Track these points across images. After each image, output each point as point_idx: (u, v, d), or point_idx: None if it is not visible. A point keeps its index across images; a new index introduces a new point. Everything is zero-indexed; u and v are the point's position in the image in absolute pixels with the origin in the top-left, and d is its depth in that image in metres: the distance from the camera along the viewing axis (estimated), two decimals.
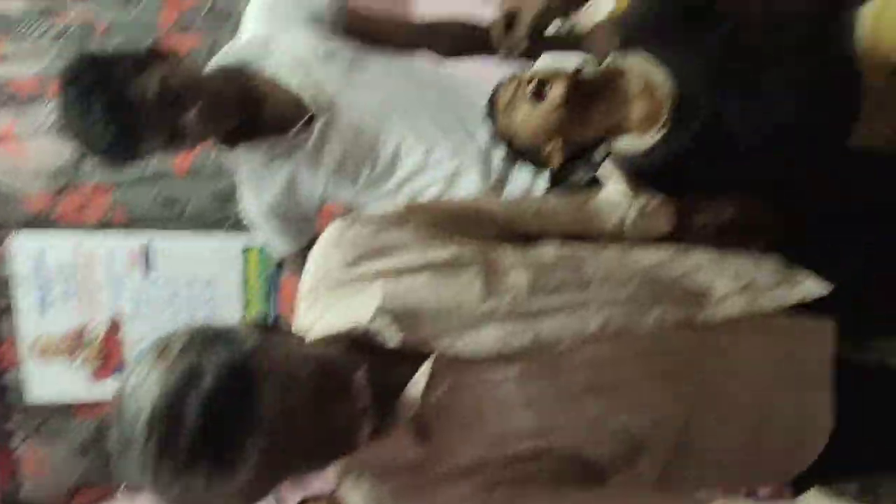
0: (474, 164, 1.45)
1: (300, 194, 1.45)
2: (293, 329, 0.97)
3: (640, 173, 1.21)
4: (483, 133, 1.40)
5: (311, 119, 1.38)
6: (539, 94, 1.18)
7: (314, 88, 1.37)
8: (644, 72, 1.24)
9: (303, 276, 1.01)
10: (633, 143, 1.22)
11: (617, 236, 1.13)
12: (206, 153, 2.21)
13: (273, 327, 0.87)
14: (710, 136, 1.20)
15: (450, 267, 0.96)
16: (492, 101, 1.28)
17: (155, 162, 2.18)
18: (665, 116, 1.19)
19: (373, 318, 0.88)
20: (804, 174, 1.20)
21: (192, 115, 1.27)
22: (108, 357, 2.33)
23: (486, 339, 0.91)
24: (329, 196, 1.47)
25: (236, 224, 2.31)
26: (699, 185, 1.25)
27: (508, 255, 1.01)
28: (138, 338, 2.34)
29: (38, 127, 2.12)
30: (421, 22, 1.62)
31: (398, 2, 2.28)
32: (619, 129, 1.22)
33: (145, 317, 2.32)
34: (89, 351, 2.31)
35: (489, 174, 1.46)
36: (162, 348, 0.78)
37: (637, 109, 1.20)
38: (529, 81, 1.19)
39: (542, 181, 1.42)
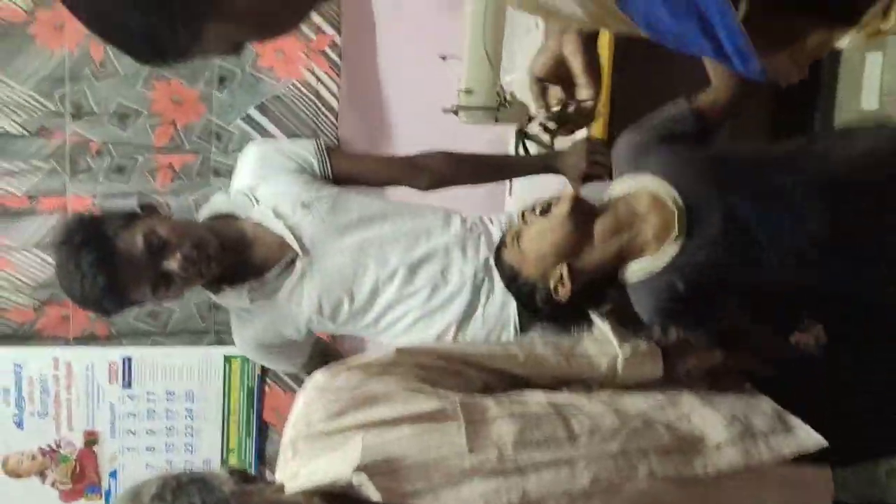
0: (452, 289, 1.55)
1: (284, 330, 1.57)
2: (277, 477, 0.96)
3: (668, 300, 1.19)
4: (458, 258, 1.54)
5: (293, 261, 1.51)
6: (546, 212, 1.22)
7: (296, 233, 1.51)
8: (646, 187, 1.26)
9: (286, 424, 1.01)
10: (651, 262, 1.21)
11: (607, 382, 1.12)
12: None
13: (251, 476, 0.87)
14: (731, 239, 1.20)
15: (433, 420, 0.95)
16: (499, 247, 1.31)
17: None
18: (678, 225, 1.20)
19: (353, 475, 0.87)
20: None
21: (175, 262, 1.38)
22: (80, 477, 2.27)
23: (470, 495, 0.89)
24: (312, 329, 1.59)
25: (219, 334, 2.31)
26: (729, 304, 1.24)
27: (493, 407, 0.99)
28: (113, 454, 2.28)
29: (25, 241, 2.14)
30: (402, 159, 1.74)
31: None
32: (632, 250, 1.23)
33: (123, 432, 2.28)
34: (62, 469, 2.25)
35: (468, 297, 1.55)
36: (133, 496, 0.77)
37: (648, 225, 1.21)
38: (534, 209, 1.24)
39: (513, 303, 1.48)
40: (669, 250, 1.20)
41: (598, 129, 1.74)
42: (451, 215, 1.64)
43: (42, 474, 2.25)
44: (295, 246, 1.50)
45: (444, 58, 2.05)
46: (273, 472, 2.38)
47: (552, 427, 0.97)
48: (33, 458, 2.23)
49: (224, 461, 2.36)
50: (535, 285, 1.24)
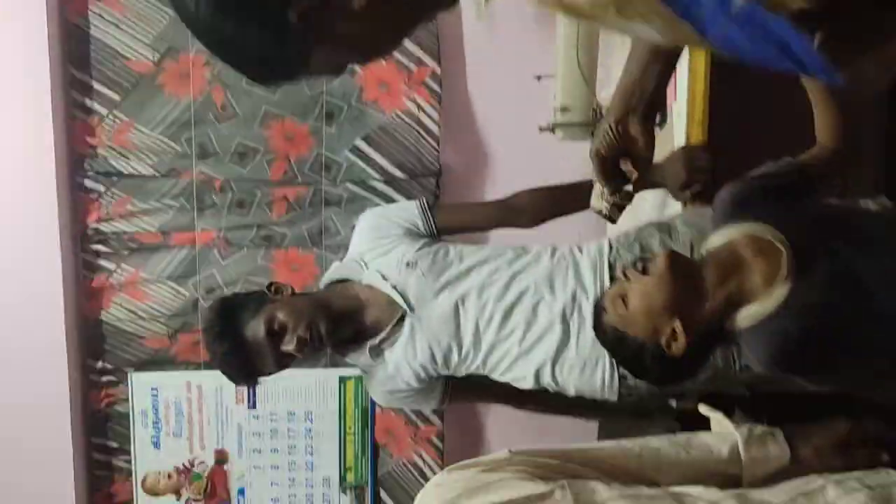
0: (543, 325, 1.64)
1: (408, 380, 1.73)
2: None
3: (782, 342, 1.17)
4: (547, 294, 1.64)
5: (403, 318, 1.68)
6: (645, 271, 1.23)
7: (402, 291, 1.67)
8: (750, 232, 1.24)
9: None
10: (762, 306, 1.19)
11: (734, 480, 1.08)
12: None
13: None
14: (841, 282, 1.18)
15: (542, 499, 0.97)
16: (597, 308, 1.31)
17: None
18: (786, 265, 1.18)
19: None
20: None
21: (292, 344, 1.61)
22: (212, 494, 2.41)
23: None
24: (433, 376, 1.74)
25: (333, 356, 2.41)
26: (845, 353, 1.20)
27: (603, 490, 1.00)
28: (241, 472, 2.41)
29: (158, 275, 2.32)
30: (499, 203, 1.88)
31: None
32: (740, 297, 1.20)
33: (249, 451, 2.41)
34: (195, 487, 2.39)
35: (559, 333, 1.63)
36: None
37: (755, 269, 1.19)
38: (635, 266, 1.25)
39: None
40: (780, 292, 1.17)
41: (695, 133, 1.74)
42: (541, 251, 1.72)
43: (177, 493, 2.40)
44: (402, 304, 1.66)
45: (539, 77, 2.11)
46: (386, 490, 2.45)
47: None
48: (169, 476, 2.39)
49: (342, 478, 2.45)
50: (644, 345, 1.23)
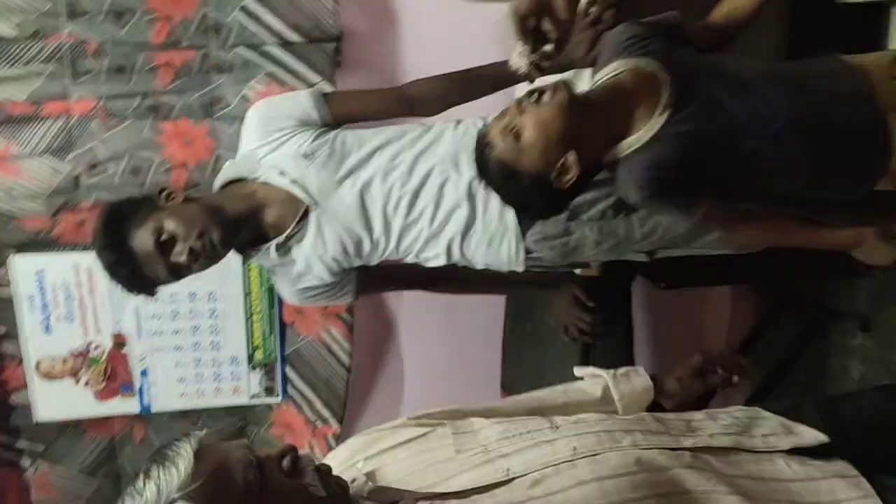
0: (449, 204, 1.59)
1: (320, 274, 1.65)
2: None
3: (656, 168, 1.25)
4: (452, 173, 1.58)
5: (307, 212, 1.58)
6: (539, 102, 1.24)
7: (302, 185, 1.57)
8: (634, 65, 1.29)
9: None
10: (641, 135, 1.25)
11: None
12: (203, 167, 2.22)
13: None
14: (712, 113, 1.26)
15: (423, 437, 1.05)
16: (481, 143, 1.28)
17: (150, 177, 2.19)
18: (665, 98, 1.24)
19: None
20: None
21: (183, 255, 1.52)
22: (113, 377, 2.34)
23: (461, 482, 0.96)
24: (345, 267, 1.67)
25: None
26: (717, 185, 1.32)
27: (480, 420, 1.07)
28: (143, 355, 2.34)
29: (32, 148, 2.12)
30: (398, 90, 1.72)
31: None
32: (624, 129, 1.26)
33: (150, 333, 2.32)
34: (94, 371, 2.31)
35: (466, 210, 1.59)
36: None
37: (638, 100, 1.25)
38: (530, 97, 1.25)
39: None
40: (658, 121, 1.24)
41: None
42: (444, 128, 1.64)
43: (75, 376, 2.31)
44: (304, 198, 1.56)
45: None
46: (294, 368, 2.43)
47: (536, 423, 1.04)
48: (64, 361, 2.29)
49: (251, 357, 2.41)
50: (534, 178, 1.26)
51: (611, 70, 1.31)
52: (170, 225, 1.51)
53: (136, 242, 1.51)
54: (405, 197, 1.59)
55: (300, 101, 1.64)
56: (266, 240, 1.62)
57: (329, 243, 1.61)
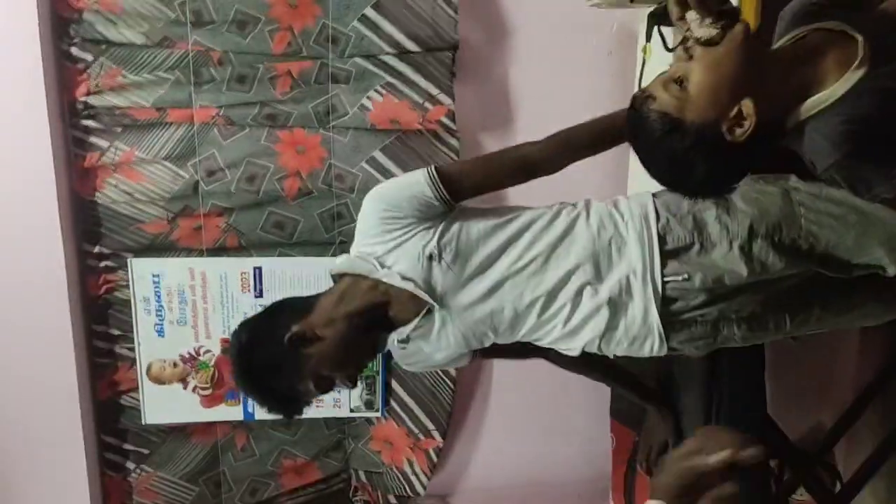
0: (588, 310, 1.48)
1: (441, 358, 1.62)
2: None
3: (853, 122, 1.09)
4: (592, 276, 1.47)
5: (431, 310, 1.51)
6: (710, 43, 1.11)
7: (427, 288, 1.49)
8: (824, 25, 1.15)
9: None
10: (834, 90, 1.11)
11: None
12: (315, 176, 2.22)
13: None
14: None
15: None
16: (637, 99, 1.18)
17: (265, 186, 2.21)
18: (862, 54, 1.10)
19: None
20: None
21: (341, 385, 1.53)
22: (220, 383, 2.35)
23: None
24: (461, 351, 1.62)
25: (342, 244, 2.30)
26: None
27: None
28: None
29: (156, 154, 2.17)
30: (520, 156, 1.56)
31: None
32: (810, 86, 1.12)
33: None
34: (202, 376, 2.33)
35: (606, 316, 1.47)
36: None
37: (828, 56, 1.11)
38: (689, 46, 1.12)
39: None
40: (854, 76, 1.10)
41: None
42: (576, 217, 1.51)
43: (183, 381, 2.33)
44: (429, 300, 1.49)
45: None
46: (399, 379, 2.39)
47: None
48: (175, 364, 2.31)
49: None
50: (703, 129, 1.13)
51: (791, 37, 1.20)
52: (325, 372, 1.49)
53: (300, 393, 1.52)
54: (539, 300, 1.49)
55: (418, 189, 1.49)
56: (390, 327, 1.56)
57: (452, 339, 1.55)
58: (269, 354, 1.47)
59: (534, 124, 2.32)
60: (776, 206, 1.43)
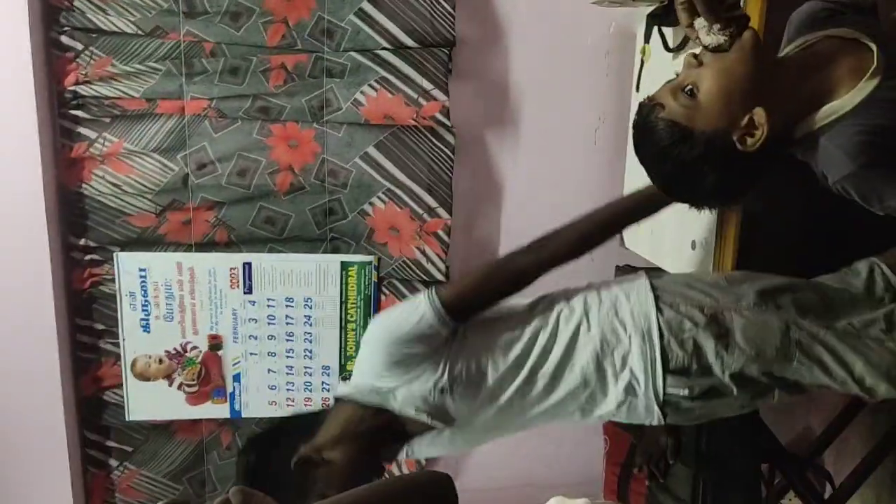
0: (596, 417, 1.51)
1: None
2: None
3: (868, 133, 1.07)
4: (599, 397, 1.48)
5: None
6: (719, 49, 1.09)
7: (439, 415, 1.48)
8: (835, 32, 1.13)
9: None
10: (847, 100, 1.09)
11: None
12: (307, 171, 2.19)
13: None
14: None
15: None
16: (644, 108, 1.16)
17: (257, 181, 2.17)
18: (876, 59, 1.08)
19: None
20: None
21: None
22: (206, 380, 2.31)
23: None
24: None
25: (334, 242, 2.27)
26: None
27: None
28: (237, 359, 2.30)
29: (145, 146, 2.12)
30: (516, 267, 1.54)
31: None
32: (822, 94, 1.10)
33: (245, 337, 2.29)
34: (188, 373, 2.29)
35: (622, 414, 1.50)
36: None
37: (840, 64, 1.09)
38: (698, 53, 1.10)
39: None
40: (868, 86, 1.08)
41: None
42: (575, 329, 1.49)
43: (169, 378, 2.29)
44: (440, 426, 1.50)
45: None
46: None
47: None
48: (160, 361, 2.27)
49: (342, 367, 2.35)
50: (713, 138, 1.11)
51: (800, 44, 1.17)
52: (331, 493, 1.38)
53: None
54: (548, 411, 1.51)
55: (422, 319, 1.48)
56: (400, 438, 1.54)
57: (460, 445, 1.58)
58: (277, 477, 1.45)
59: (529, 122, 2.33)
60: (773, 346, 1.42)
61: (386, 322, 1.51)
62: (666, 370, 1.44)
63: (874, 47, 1.10)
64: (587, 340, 1.47)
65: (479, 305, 1.52)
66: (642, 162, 1.23)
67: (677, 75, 1.16)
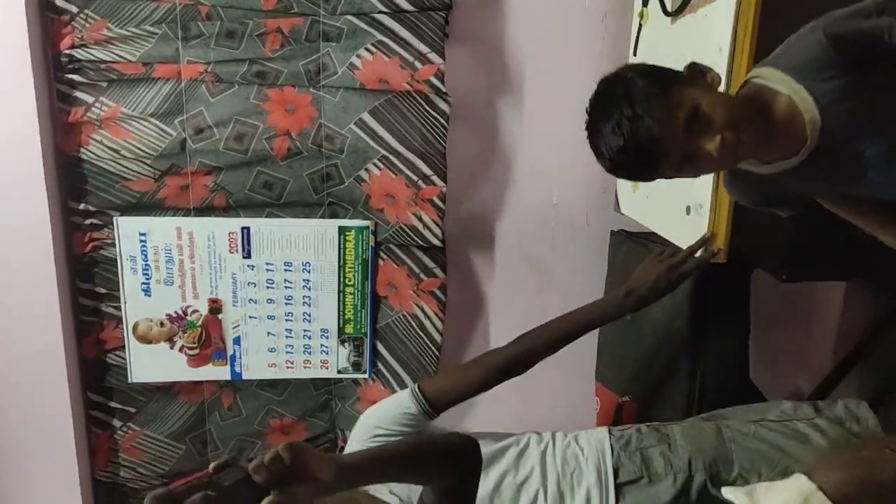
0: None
1: None
2: None
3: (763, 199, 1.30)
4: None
5: None
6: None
7: (409, 501, 1.58)
8: (791, 91, 1.21)
9: None
10: (764, 167, 1.25)
11: None
12: (304, 136, 2.20)
13: None
14: (846, 176, 1.22)
15: None
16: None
17: (254, 145, 2.18)
18: (809, 145, 1.20)
19: None
20: None
21: None
22: (207, 343, 2.34)
23: None
24: None
25: (332, 206, 2.29)
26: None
27: None
28: (236, 322, 2.34)
29: (142, 110, 2.13)
30: (494, 363, 1.75)
31: None
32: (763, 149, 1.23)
33: (245, 301, 2.32)
34: (189, 336, 2.32)
35: None
36: None
37: (780, 130, 1.21)
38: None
39: None
40: (788, 163, 1.22)
41: None
42: (540, 456, 1.66)
43: (170, 341, 2.33)
44: None
45: None
46: (385, 342, 2.41)
47: None
48: (161, 324, 2.31)
49: (341, 330, 2.39)
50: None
51: (770, 80, 1.25)
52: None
53: None
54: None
55: (404, 407, 1.68)
56: None
57: None
58: None
59: (526, 87, 2.33)
60: (710, 442, 1.62)
61: (373, 409, 1.72)
62: (617, 486, 1.60)
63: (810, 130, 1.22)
64: (551, 463, 1.65)
65: (456, 400, 1.72)
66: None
67: None
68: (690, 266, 1.70)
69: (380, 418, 1.67)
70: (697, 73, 1.24)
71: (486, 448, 1.60)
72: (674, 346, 1.98)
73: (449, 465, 1.28)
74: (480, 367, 1.75)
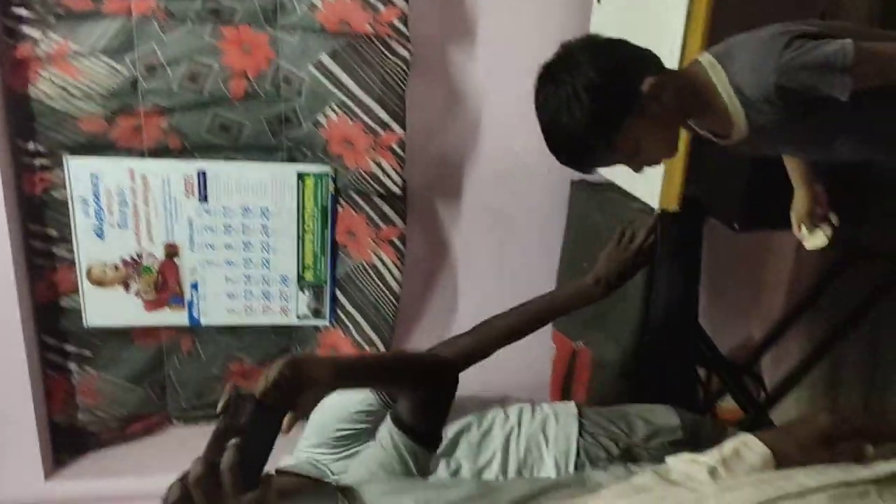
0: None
1: None
2: None
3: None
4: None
5: None
6: None
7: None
8: (732, 107, 1.26)
9: None
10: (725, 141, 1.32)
11: None
12: (262, 77, 2.15)
13: None
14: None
15: None
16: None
17: (209, 86, 2.13)
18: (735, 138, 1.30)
19: None
20: None
21: None
22: (163, 288, 2.32)
23: None
24: None
25: (290, 151, 2.26)
26: None
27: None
28: (194, 267, 2.31)
29: (92, 47, 2.06)
30: (454, 349, 1.63)
31: None
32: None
33: (202, 246, 2.30)
34: (145, 280, 2.30)
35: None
36: None
37: (709, 118, 1.30)
38: None
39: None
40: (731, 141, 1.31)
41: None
42: (509, 445, 1.63)
43: (125, 284, 2.30)
44: None
45: None
46: (343, 290, 2.40)
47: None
48: (116, 268, 2.27)
49: (300, 277, 2.38)
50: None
51: (714, 72, 1.28)
52: None
53: None
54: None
55: (363, 397, 1.61)
56: None
57: None
58: None
59: (489, 36, 2.29)
60: None
61: (331, 401, 1.61)
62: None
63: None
64: (515, 447, 1.63)
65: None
66: None
67: None
68: (650, 242, 1.71)
69: (340, 409, 1.62)
70: (652, 98, 1.23)
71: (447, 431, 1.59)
72: (626, 289, 2.01)
73: (430, 374, 1.31)
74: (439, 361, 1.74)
